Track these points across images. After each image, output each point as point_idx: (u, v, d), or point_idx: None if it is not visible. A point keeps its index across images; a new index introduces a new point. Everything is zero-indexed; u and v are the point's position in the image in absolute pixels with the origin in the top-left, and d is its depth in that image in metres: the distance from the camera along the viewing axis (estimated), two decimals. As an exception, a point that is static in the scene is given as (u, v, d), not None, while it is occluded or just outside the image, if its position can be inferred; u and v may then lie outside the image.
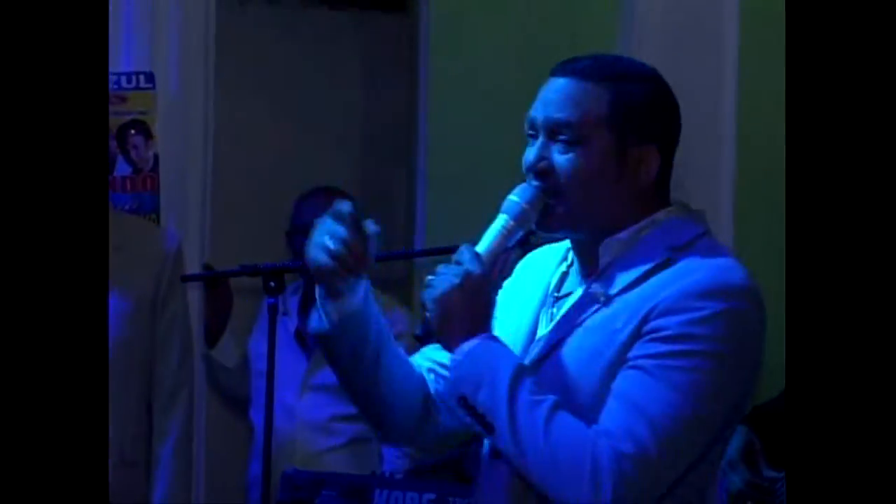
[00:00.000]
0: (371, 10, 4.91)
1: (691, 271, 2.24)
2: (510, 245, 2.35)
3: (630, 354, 2.22)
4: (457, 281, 2.27)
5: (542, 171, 2.30)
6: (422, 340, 2.34)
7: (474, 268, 2.27)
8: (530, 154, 2.33)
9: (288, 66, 4.74)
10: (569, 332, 2.29)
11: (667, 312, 2.20)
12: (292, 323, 4.34)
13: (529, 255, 2.61)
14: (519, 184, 4.47)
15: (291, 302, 4.36)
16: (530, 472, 2.21)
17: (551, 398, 2.20)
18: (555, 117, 2.30)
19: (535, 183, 2.31)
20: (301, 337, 4.33)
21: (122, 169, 4.24)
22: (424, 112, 4.55)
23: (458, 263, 2.29)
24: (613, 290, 2.28)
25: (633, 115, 2.30)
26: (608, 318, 2.25)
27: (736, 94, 4.45)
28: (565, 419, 2.20)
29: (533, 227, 2.34)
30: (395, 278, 4.62)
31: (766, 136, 4.50)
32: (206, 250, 4.28)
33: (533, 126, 2.34)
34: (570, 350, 2.27)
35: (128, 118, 4.24)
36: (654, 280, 2.25)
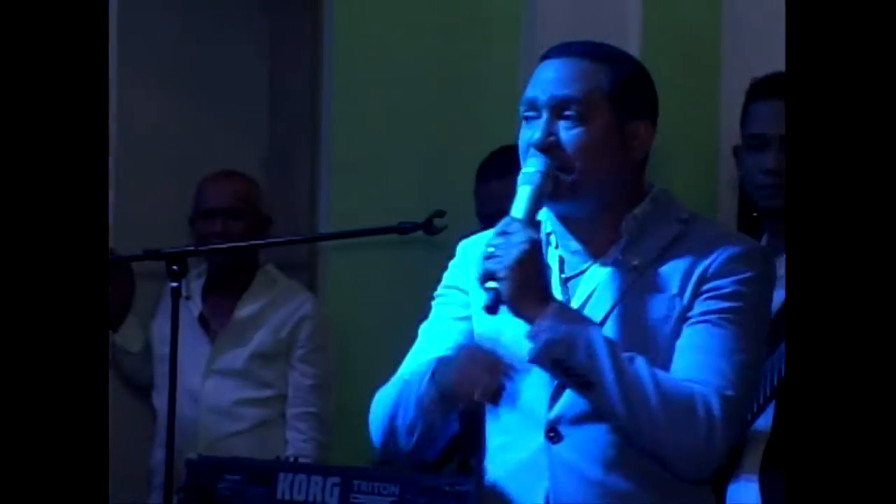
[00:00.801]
0: None
1: (722, 239, 2.47)
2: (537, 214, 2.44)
3: (691, 313, 2.40)
4: (527, 247, 2.33)
5: (550, 147, 2.41)
6: (491, 311, 2.36)
7: (534, 234, 2.36)
8: (535, 132, 2.42)
9: (192, 50, 4.69)
10: (613, 305, 2.43)
11: (720, 275, 2.40)
12: (196, 307, 4.31)
13: (467, 245, 2.65)
14: (428, 168, 4.43)
15: (195, 286, 4.34)
16: (639, 427, 2.34)
17: (640, 355, 2.36)
18: (560, 94, 2.41)
19: (542, 155, 2.41)
20: (205, 321, 4.31)
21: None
22: (329, 96, 4.55)
23: (507, 233, 2.35)
24: (645, 260, 2.44)
25: (630, 92, 2.45)
26: (656, 286, 2.43)
27: None
28: (664, 373, 2.36)
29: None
30: (298, 263, 4.59)
31: (665, 128, 4.55)
32: (109, 235, 4.20)
33: (534, 106, 2.44)
34: (626, 320, 2.42)
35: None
36: (683, 247, 2.44)
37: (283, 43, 4.77)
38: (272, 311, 4.26)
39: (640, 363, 2.35)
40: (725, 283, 2.40)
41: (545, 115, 2.42)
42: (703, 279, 2.41)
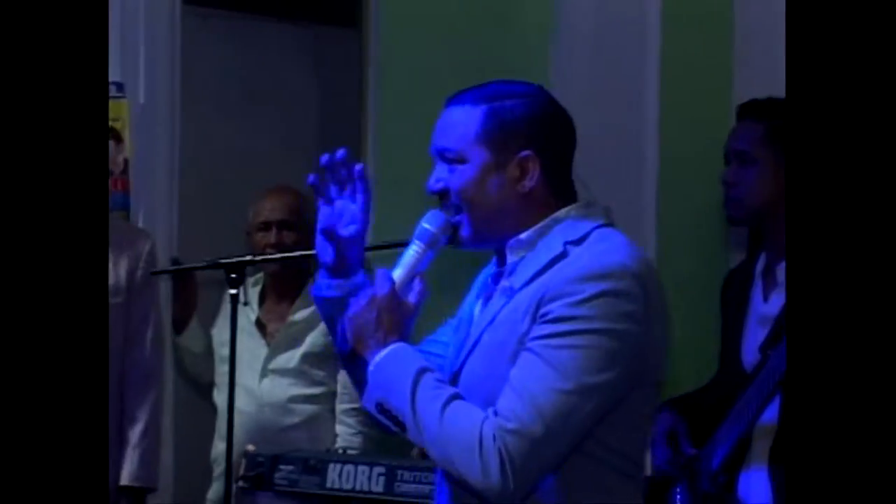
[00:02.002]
0: (324, 24, 4.96)
1: (577, 259, 2.31)
2: (423, 265, 2.45)
3: (526, 339, 2.29)
4: (364, 302, 2.38)
5: (439, 192, 2.43)
6: (343, 357, 2.46)
7: (380, 289, 2.38)
8: (430, 178, 2.45)
9: (247, 74, 4.77)
10: (484, 330, 2.38)
11: (553, 298, 2.27)
12: (253, 312, 4.39)
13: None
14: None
15: (252, 293, 4.41)
16: (435, 459, 2.31)
17: (449, 391, 2.31)
18: (438, 145, 2.43)
19: (441, 213, 2.43)
20: (261, 325, 4.38)
21: (95, 172, 4.30)
22: (374, 119, 4.61)
23: None
24: (518, 286, 2.35)
25: (507, 130, 2.39)
26: (511, 312, 2.33)
27: (658, 95, 4.56)
28: (459, 407, 2.28)
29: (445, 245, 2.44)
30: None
31: (688, 134, 4.59)
32: (174, 246, 4.33)
33: (432, 155, 2.46)
34: (483, 346, 2.37)
35: (100, 125, 4.30)
36: (549, 272, 2.31)
37: (331, 70, 4.80)
38: (323, 315, 4.33)
39: (441, 400, 2.29)
40: (553, 308, 2.27)
41: (437, 163, 2.45)
42: (540, 303, 2.29)
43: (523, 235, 2.39)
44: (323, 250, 2.51)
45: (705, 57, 4.59)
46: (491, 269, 2.51)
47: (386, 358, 2.35)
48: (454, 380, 2.40)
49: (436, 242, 2.44)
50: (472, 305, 2.51)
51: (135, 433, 3.90)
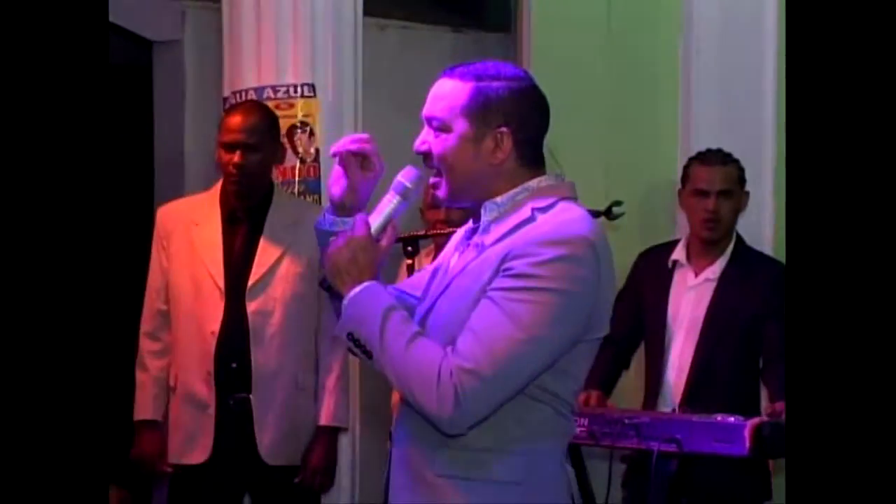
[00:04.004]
0: (483, 30, 5.20)
1: (542, 225, 2.46)
2: (397, 214, 2.58)
3: (488, 288, 2.43)
4: (342, 242, 2.51)
5: (423, 153, 2.58)
6: (323, 288, 2.58)
7: (358, 231, 2.51)
8: (417, 139, 2.60)
9: (419, 76, 4.95)
10: (454, 278, 2.53)
11: (517, 256, 2.41)
12: None
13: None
14: (607, 168, 4.68)
15: (425, 262, 4.48)
16: (397, 387, 2.45)
17: (414, 328, 2.45)
18: (428, 112, 2.57)
19: (416, 170, 2.58)
20: None
21: (291, 160, 4.64)
22: None
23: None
24: (488, 243, 2.50)
25: (488, 107, 2.51)
26: (479, 264, 2.48)
27: (775, 85, 4.64)
28: (422, 343, 2.42)
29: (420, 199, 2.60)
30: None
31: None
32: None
33: (423, 119, 2.61)
34: (451, 292, 2.52)
35: (295, 120, 4.63)
36: (516, 233, 2.46)
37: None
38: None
39: (407, 335, 2.41)
40: (517, 264, 2.40)
41: (426, 127, 2.57)
42: (505, 259, 2.42)
43: (499, 199, 2.53)
44: (336, 182, 2.61)
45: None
46: (468, 225, 2.63)
47: (359, 294, 2.46)
48: (425, 318, 2.54)
49: (409, 196, 2.58)
50: (450, 257, 2.63)
51: (330, 381, 4.21)
